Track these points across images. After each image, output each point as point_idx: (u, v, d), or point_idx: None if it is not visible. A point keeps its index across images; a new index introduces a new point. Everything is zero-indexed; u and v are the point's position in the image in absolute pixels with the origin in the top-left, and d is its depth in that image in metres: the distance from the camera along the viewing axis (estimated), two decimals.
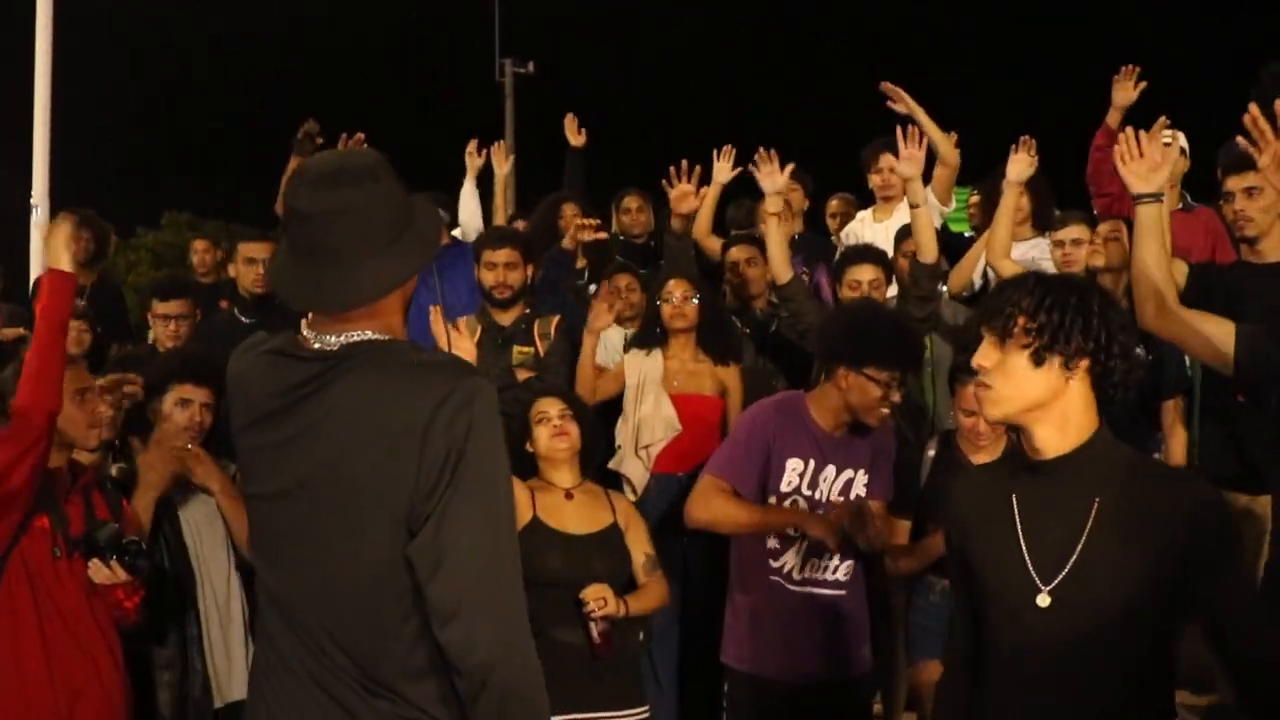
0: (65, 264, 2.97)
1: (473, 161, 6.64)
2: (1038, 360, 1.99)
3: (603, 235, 5.48)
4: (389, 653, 1.80)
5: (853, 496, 3.53)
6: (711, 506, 3.48)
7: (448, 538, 1.73)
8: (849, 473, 3.54)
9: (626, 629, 3.42)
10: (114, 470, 3.60)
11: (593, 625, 3.30)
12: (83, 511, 3.10)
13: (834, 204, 6.64)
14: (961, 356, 3.71)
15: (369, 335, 1.87)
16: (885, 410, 3.45)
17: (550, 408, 3.63)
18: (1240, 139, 2.98)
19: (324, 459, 1.80)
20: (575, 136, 6.59)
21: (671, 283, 4.65)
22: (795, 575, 3.50)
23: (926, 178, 5.60)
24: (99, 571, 2.99)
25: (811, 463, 3.52)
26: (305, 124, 5.54)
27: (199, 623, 3.38)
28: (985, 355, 2.04)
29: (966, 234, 6.24)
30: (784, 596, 3.50)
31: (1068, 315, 1.98)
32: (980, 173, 6.01)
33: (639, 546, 3.57)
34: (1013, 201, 4.71)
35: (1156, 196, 3.00)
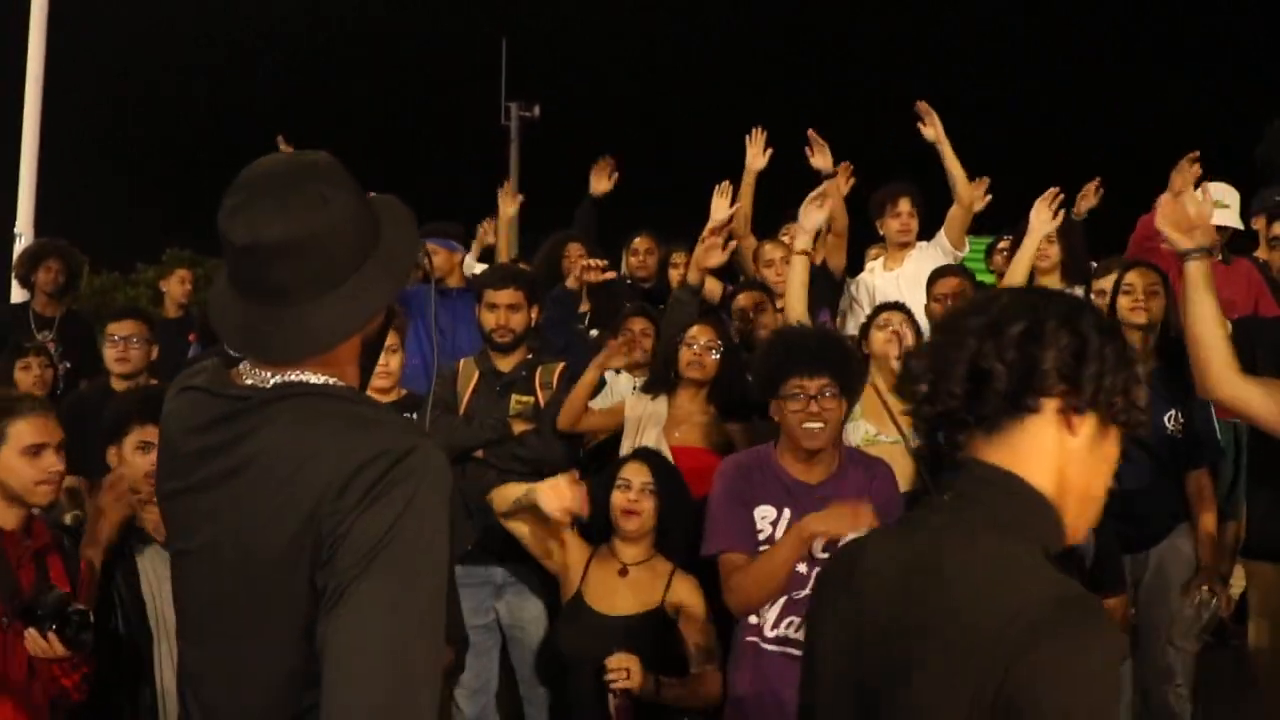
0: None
1: (486, 236, 6.49)
2: None
3: (610, 275, 5.23)
4: None
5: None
6: (736, 589, 3.20)
7: (348, 622, 1.37)
8: None
9: (661, 715, 3.14)
10: (68, 518, 3.30)
11: (611, 698, 3.03)
12: (34, 577, 2.81)
13: (874, 252, 6.35)
14: None
15: (307, 378, 1.55)
16: (816, 427, 3.17)
17: (634, 476, 3.39)
18: None
19: (237, 518, 1.51)
20: (602, 182, 6.28)
21: (697, 328, 4.33)
22: (768, 632, 3.21)
23: (941, 217, 5.42)
24: (34, 643, 2.67)
25: (786, 511, 3.26)
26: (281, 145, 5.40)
27: (155, 691, 3.06)
28: None
29: (988, 284, 6.02)
30: (759, 658, 3.21)
31: None
32: (1007, 221, 5.81)
33: (692, 634, 3.27)
34: (1031, 252, 4.53)
35: (1206, 250, 2.83)
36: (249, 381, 1.57)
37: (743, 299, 5.10)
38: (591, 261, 5.01)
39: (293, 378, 1.55)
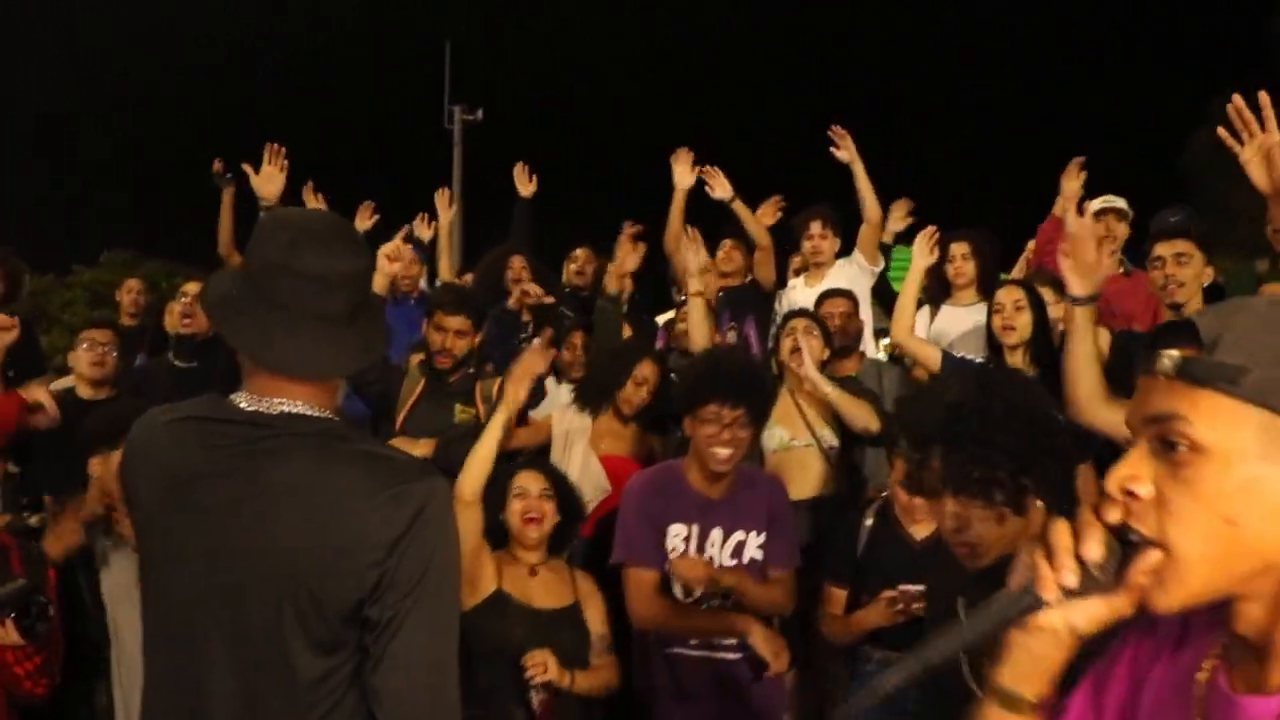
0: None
1: (422, 231, 6.60)
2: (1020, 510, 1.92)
3: (548, 300, 5.47)
4: None
5: (747, 560, 3.39)
6: (654, 612, 3.37)
7: (403, 644, 1.66)
8: (739, 534, 3.39)
9: (573, 707, 3.30)
10: (34, 520, 3.46)
11: (533, 693, 3.19)
12: None
13: (796, 261, 6.50)
14: (899, 428, 3.67)
15: (307, 410, 1.75)
16: (725, 453, 3.31)
17: (531, 484, 3.51)
18: (1221, 130, 2.98)
19: (263, 542, 1.66)
20: (525, 185, 6.50)
21: (648, 368, 4.44)
22: (693, 639, 3.37)
23: (853, 238, 5.68)
24: None
25: (695, 527, 3.40)
26: (215, 166, 5.57)
27: (110, 692, 3.22)
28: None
29: None
30: (680, 663, 3.38)
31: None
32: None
33: (594, 625, 3.44)
34: (915, 282, 4.70)
35: (1093, 299, 3.05)
36: (250, 409, 1.74)
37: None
38: (530, 287, 5.33)
39: (294, 409, 1.74)
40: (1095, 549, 1.08)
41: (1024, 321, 4.35)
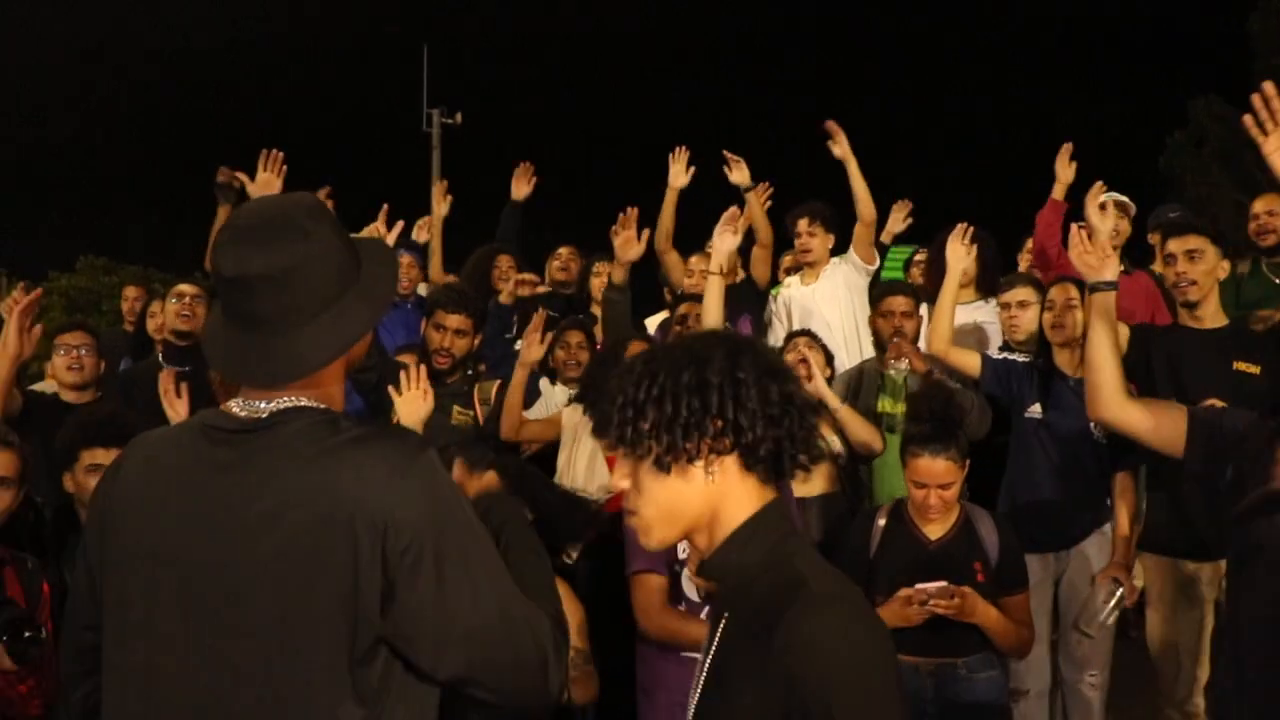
0: None
1: (419, 235, 6.49)
2: (662, 467, 1.55)
3: (542, 289, 5.37)
4: None
5: None
6: (666, 626, 3.24)
7: (466, 616, 1.59)
8: None
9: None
10: None
11: None
12: None
13: (788, 260, 6.50)
14: (914, 427, 3.62)
15: (299, 402, 1.65)
16: None
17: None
18: (1247, 119, 2.93)
19: (252, 544, 1.55)
20: (522, 187, 6.35)
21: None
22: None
23: (849, 235, 5.62)
24: None
25: None
26: (219, 173, 5.34)
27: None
28: (622, 474, 1.61)
29: None
30: (681, 661, 3.21)
31: (681, 402, 1.53)
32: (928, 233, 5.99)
33: (570, 638, 3.34)
34: (954, 288, 4.58)
35: (1112, 284, 3.02)
36: (242, 414, 1.65)
37: (684, 309, 5.24)
38: (523, 277, 5.22)
39: (284, 405, 1.64)
40: None
41: (1073, 320, 4.31)
